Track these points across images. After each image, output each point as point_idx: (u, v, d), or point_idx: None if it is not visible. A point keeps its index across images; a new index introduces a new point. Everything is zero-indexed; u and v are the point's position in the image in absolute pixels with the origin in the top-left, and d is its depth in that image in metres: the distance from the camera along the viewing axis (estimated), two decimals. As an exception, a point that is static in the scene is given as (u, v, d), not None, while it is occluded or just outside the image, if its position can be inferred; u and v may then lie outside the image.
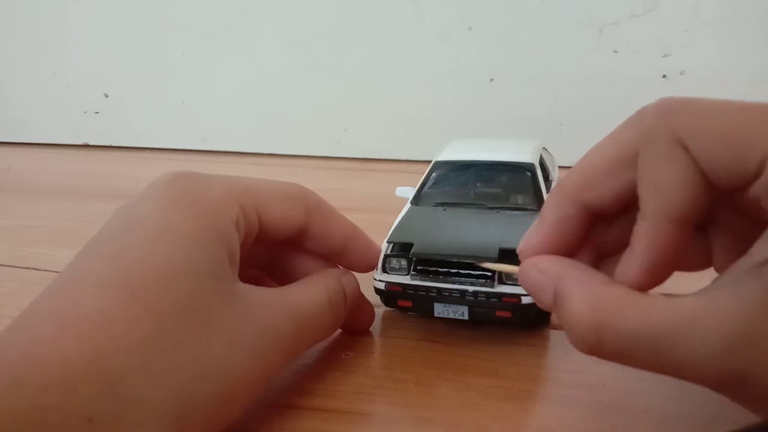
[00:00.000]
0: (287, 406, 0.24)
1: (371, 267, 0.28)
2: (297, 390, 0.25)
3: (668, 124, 0.18)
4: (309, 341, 0.25)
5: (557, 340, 0.28)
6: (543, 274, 0.20)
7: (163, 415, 0.18)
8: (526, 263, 0.21)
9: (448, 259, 0.26)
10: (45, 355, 0.17)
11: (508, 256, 0.25)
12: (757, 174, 0.17)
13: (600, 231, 0.22)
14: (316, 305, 0.24)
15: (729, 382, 0.17)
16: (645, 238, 0.19)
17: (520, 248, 0.22)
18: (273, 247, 0.27)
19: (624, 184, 0.20)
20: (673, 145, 0.18)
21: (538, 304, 0.21)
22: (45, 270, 0.39)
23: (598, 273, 0.20)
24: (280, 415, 0.24)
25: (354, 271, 0.28)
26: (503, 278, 0.26)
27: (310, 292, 0.25)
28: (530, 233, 0.22)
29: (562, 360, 0.27)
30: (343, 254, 0.27)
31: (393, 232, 0.29)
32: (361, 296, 0.28)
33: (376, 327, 0.30)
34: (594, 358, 0.26)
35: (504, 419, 0.23)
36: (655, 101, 0.19)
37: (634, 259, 0.19)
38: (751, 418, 0.21)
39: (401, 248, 0.28)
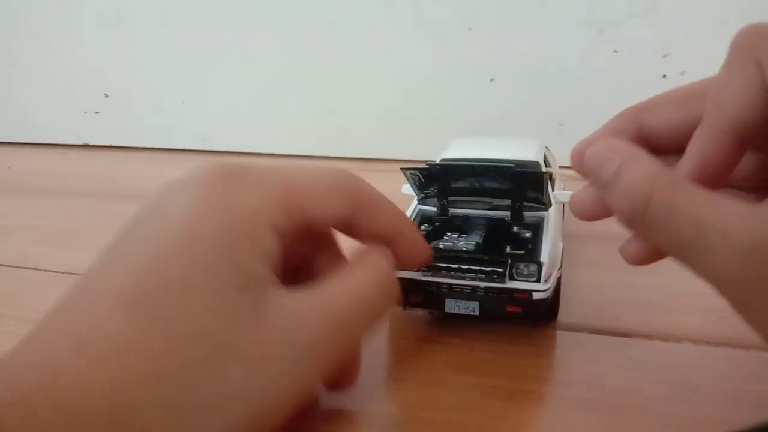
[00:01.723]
0: (287, 406, 0.24)
1: (418, 264, 0.27)
2: (297, 390, 0.25)
3: (749, 44, 0.19)
4: (357, 337, 0.23)
5: (557, 340, 0.28)
6: (613, 150, 0.21)
7: None
8: (599, 141, 0.21)
9: (461, 265, 0.26)
10: (60, 389, 0.16)
11: (520, 260, 0.26)
12: None
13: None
14: (362, 295, 0.22)
15: (736, 289, 0.18)
16: (697, 143, 0.20)
17: (578, 144, 0.23)
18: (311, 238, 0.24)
19: (687, 116, 0.21)
20: (748, 62, 0.19)
21: (594, 179, 0.21)
22: (45, 270, 0.39)
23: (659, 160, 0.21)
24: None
25: (400, 268, 0.26)
26: (514, 274, 0.26)
27: (354, 281, 0.22)
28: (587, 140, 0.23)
29: (563, 360, 0.27)
30: (390, 247, 0.25)
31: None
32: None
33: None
34: (594, 359, 0.26)
35: (504, 419, 0.23)
36: (745, 26, 0.20)
37: (683, 164, 0.20)
38: (750, 420, 0.21)
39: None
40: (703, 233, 0.18)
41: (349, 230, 0.24)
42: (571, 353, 0.27)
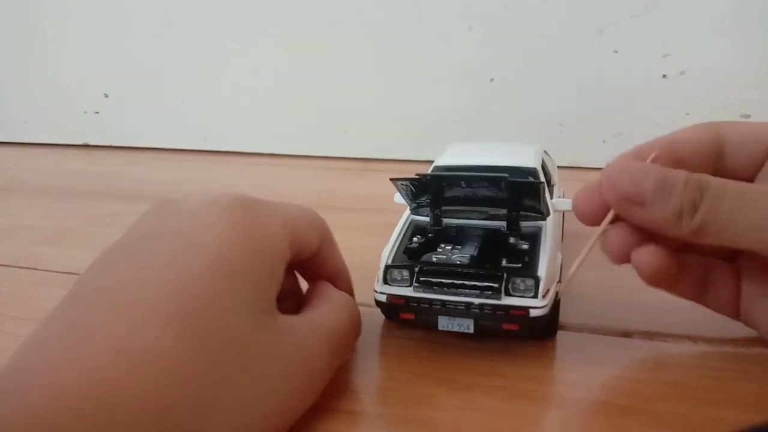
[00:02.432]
0: (287, 406, 0.24)
1: None
2: (297, 390, 0.25)
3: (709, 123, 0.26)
4: (339, 363, 0.25)
5: (557, 340, 0.28)
6: (643, 167, 0.23)
7: None
8: (614, 166, 0.23)
9: (454, 280, 0.26)
10: (110, 393, 0.17)
11: (516, 275, 0.26)
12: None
13: None
14: (344, 326, 0.25)
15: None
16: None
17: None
18: None
19: None
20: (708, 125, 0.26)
21: (634, 196, 0.22)
22: (44, 270, 0.39)
23: None
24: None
25: None
26: (510, 289, 0.25)
27: (338, 315, 0.25)
28: None
29: (563, 360, 0.27)
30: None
31: (393, 248, 0.29)
32: None
33: (376, 327, 0.30)
34: (594, 359, 0.26)
35: (504, 419, 0.23)
36: None
37: None
38: (750, 420, 0.21)
39: (403, 264, 0.27)
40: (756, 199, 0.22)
41: (304, 264, 0.27)
42: (571, 353, 0.27)
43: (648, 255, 0.23)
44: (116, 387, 0.17)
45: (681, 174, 0.22)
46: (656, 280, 0.24)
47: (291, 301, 0.27)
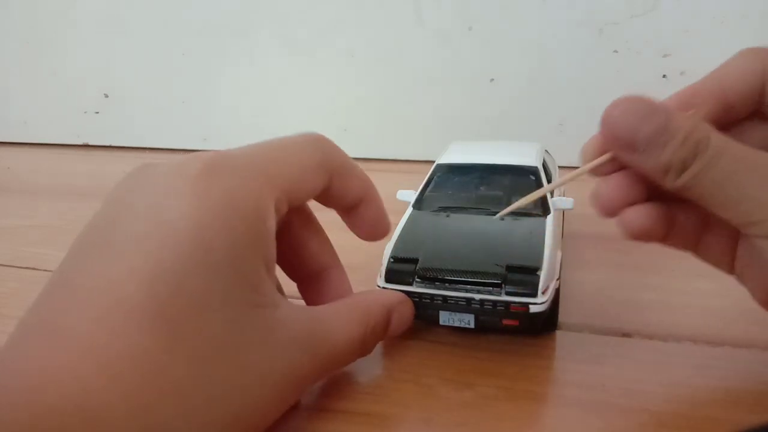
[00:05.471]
0: (287, 406, 0.24)
1: (377, 236, 0.27)
2: (297, 390, 0.25)
3: (759, 51, 0.24)
4: (328, 374, 0.24)
5: (557, 340, 0.28)
6: (652, 105, 0.21)
7: None
8: (623, 99, 0.22)
9: (455, 277, 0.26)
10: (92, 409, 0.16)
11: (516, 271, 0.26)
12: None
13: None
14: (348, 345, 0.23)
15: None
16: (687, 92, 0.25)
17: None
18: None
19: None
20: (755, 58, 0.24)
21: (631, 137, 0.21)
22: (45, 270, 0.39)
23: None
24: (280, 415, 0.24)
25: (360, 237, 0.27)
26: (510, 286, 0.26)
27: (348, 329, 0.24)
28: None
29: (563, 360, 0.27)
30: (352, 214, 0.26)
31: (395, 244, 0.29)
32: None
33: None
34: (594, 359, 0.26)
35: (504, 419, 0.23)
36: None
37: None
38: (750, 420, 0.21)
39: (405, 260, 0.27)
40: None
41: (320, 199, 0.25)
42: (571, 353, 0.27)
43: (637, 217, 0.22)
44: (106, 411, 0.16)
45: (684, 128, 0.20)
46: (641, 239, 0.23)
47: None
